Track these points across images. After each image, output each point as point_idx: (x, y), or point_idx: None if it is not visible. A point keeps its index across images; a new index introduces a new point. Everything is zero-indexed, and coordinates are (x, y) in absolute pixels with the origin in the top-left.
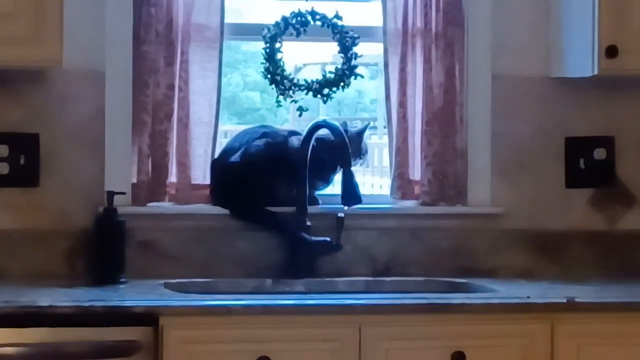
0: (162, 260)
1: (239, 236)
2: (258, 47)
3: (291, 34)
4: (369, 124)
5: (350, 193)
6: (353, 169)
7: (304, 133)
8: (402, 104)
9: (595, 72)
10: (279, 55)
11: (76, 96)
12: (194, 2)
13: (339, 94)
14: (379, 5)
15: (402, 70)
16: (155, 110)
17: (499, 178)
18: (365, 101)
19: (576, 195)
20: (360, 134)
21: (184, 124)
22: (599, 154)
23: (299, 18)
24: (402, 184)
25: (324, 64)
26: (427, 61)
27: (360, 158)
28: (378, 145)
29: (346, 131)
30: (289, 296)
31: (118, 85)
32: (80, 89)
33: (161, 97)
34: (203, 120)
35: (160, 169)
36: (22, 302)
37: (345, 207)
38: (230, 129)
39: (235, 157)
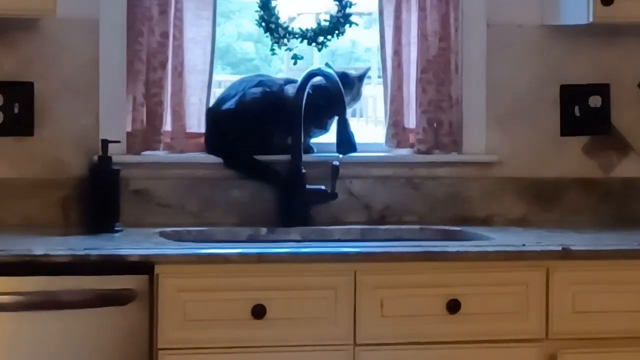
0: (157, 208)
1: (234, 185)
2: None
3: None
4: (369, 68)
5: (345, 141)
6: (348, 117)
7: (299, 81)
8: (397, 52)
9: (591, 20)
10: (273, 3)
11: (70, 45)
12: None
13: (333, 44)
14: None
15: (397, 18)
16: (150, 58)
17: (494, 126)
18: (359, 51)
19: (571, 143)
20: (361, 78)
21: (179, 72)
22: (594, 101)
23: None
24: (397, 132)
25: (317, 14)
26: (422, 9)
27: (357, 101)
28: (372, 95)
29: (347, 75)
30: (284, 244)
31: (112, 34)
32: (75, 37)
33: (155, 45)
34: (198, 68)
35: (155, 117)
36: (17, 251)
37: (340, 156)
38: (224, 78)
39: (230, 104)
